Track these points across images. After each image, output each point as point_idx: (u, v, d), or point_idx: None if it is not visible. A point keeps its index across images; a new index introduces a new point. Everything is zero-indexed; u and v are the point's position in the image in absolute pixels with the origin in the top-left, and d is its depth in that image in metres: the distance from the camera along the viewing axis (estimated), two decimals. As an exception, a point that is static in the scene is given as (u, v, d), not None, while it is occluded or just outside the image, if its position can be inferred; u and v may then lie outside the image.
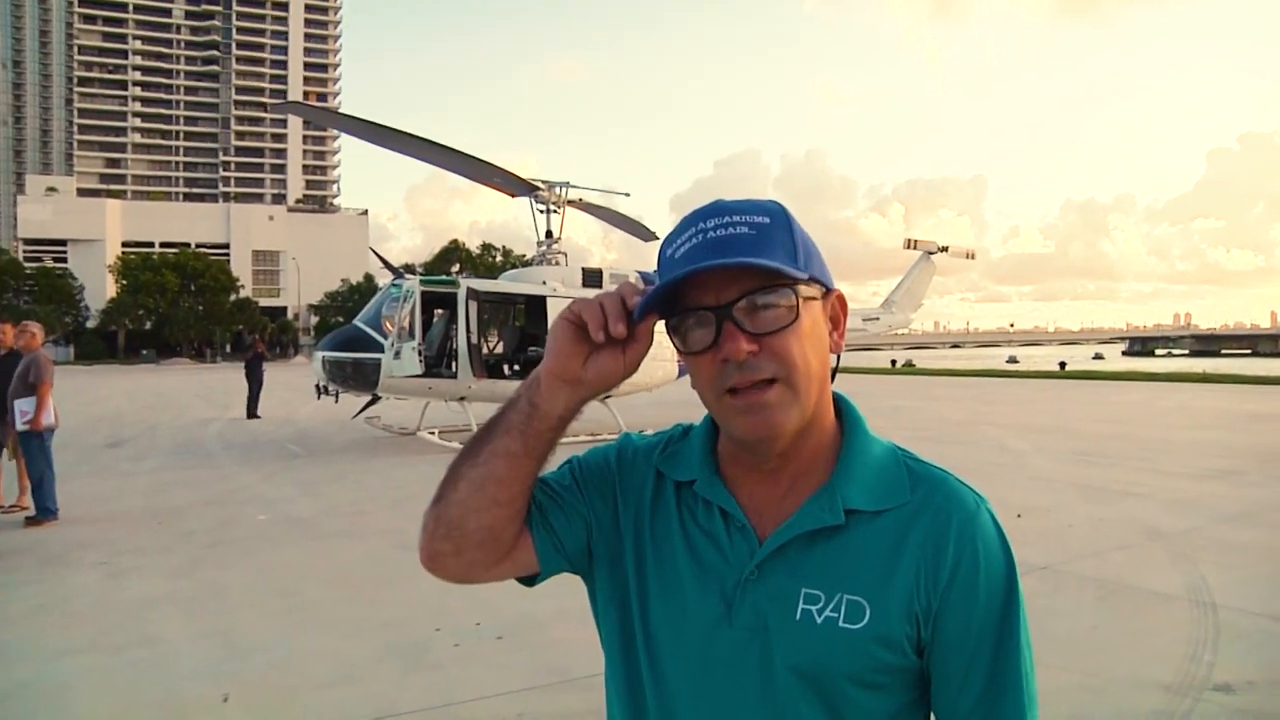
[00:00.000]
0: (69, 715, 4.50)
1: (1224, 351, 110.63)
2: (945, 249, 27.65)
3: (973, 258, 30.25)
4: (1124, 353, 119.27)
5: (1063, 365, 48.72)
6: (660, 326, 1.13)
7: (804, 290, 1.08)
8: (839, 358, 1.22)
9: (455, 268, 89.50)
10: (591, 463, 1.30)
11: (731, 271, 1.05)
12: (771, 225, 1.10)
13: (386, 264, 17.78)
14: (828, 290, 1.15)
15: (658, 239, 23.32)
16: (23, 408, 8.95)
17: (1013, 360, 74.21)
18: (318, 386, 16.36)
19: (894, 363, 59.74)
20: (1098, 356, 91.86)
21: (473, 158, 16.82)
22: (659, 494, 1.23)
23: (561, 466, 1.30)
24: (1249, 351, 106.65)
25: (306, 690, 4.73)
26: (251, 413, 22.01)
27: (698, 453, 1.22)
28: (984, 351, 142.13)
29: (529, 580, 1.27)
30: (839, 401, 1.22)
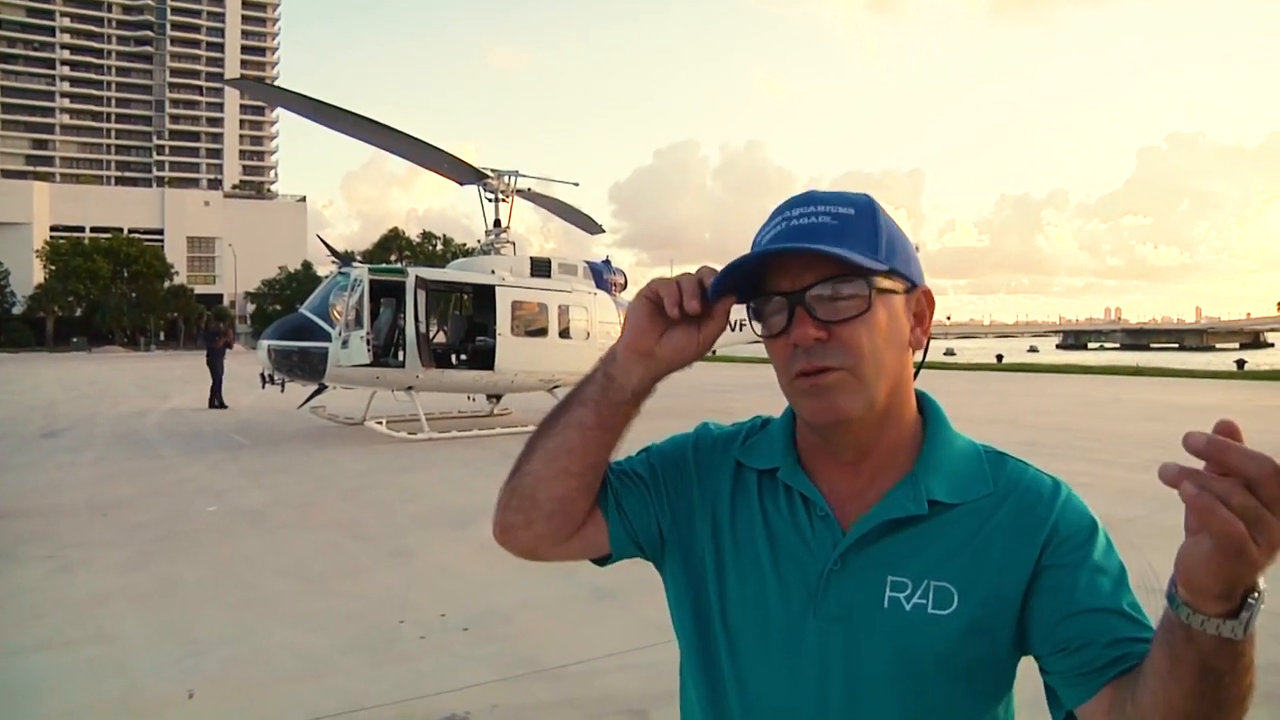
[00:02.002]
0: (28, 715, 4.39)
1: (1153, 345, 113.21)
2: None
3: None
4: (1058, 346, 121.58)
5: (1000, 358, 49.53)
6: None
7: (880, 282, 1.10)
8: (925, 354, 1.24)
9: (394, 256, 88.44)
10: (669, 451, 1.32)
11: (808, 258, 1.08)
12: (855, 216, 1.11)
13: (333, 251, 17.52)
14: (913, 285, 1.16)
15: (604, 231, 23.40)
16: None
17: (950, 353, 75.23)
18: (263, 375, 16.10)
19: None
20: (1033, 349, 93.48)
21: (422, 142, 16.63)
22: (739, 483, 1.25)
23: (638, 454, 1.33)
24: (1176, 345, 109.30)
25: (273, 685, 4.67)
26: (216, 402, 21.46)
27: (779, 442, 1.24)
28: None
29: (601, 560, 1.30)
30: (922, 398, 1.24)
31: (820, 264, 1.07)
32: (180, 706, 4.40)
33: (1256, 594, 0.81)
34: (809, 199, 1.14)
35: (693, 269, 1.15)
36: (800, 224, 1.11)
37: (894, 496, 1.14)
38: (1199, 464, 0.77)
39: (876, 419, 1.14)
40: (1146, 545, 7.27)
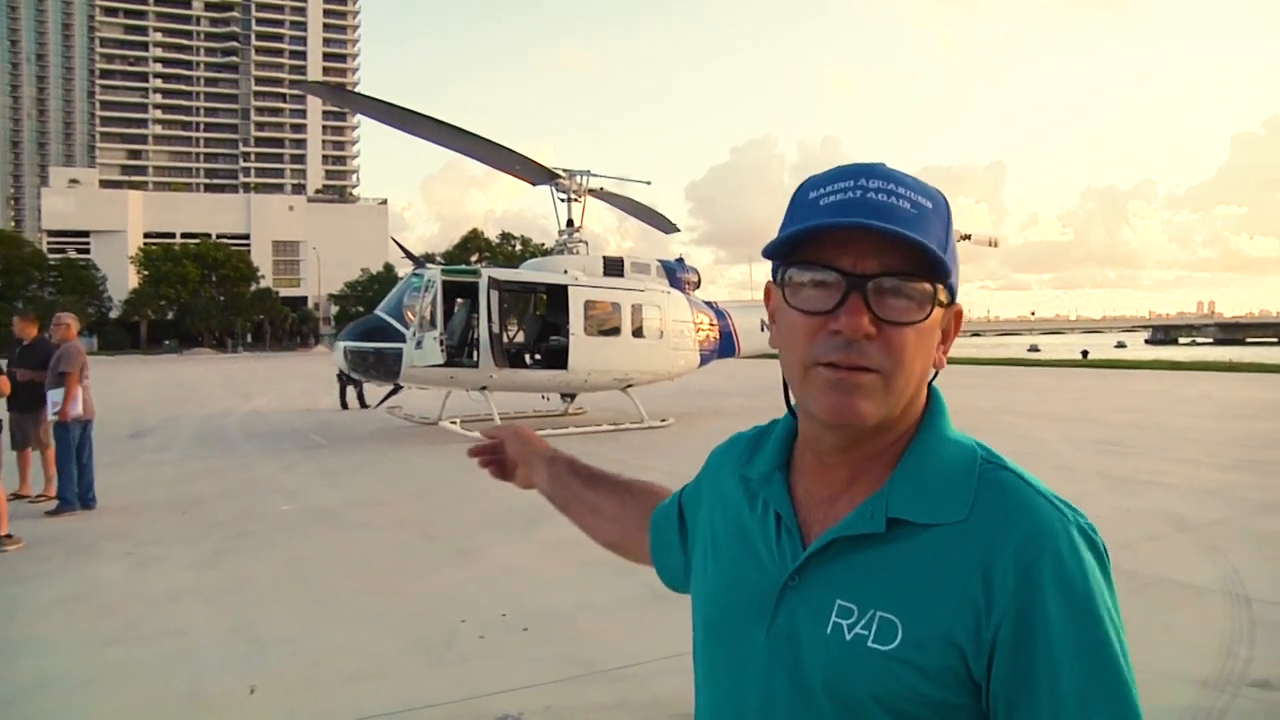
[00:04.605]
0: (97, 707, 4.50)
1: (1249, 340, 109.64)
2: (968, 237, 27.37)
3: (995, 245, 29.91)
4: (1147, 341, 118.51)
5: (1085, 354, 48.37)
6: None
7: (941, 293, 1.01)
8: (936, 374, 1.10)
9: (474, 257, 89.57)
10: (692, 487, 1.39)
11: (879, 243, 0.97)
12: (933, 212, 1.01)
13: (408, 253, 17.75)
14: (953, 301, 1.06)
15: (679, 230, 23.34)
16: (54, 398, 9.01)
17: (1034, 349, 73.73)
18: (340, 376, 16.39)
19: (914, 351, 59.41)
20: (1120, 345, 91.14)
21: (494, 144, 16.75)
22: (734, 491, 1.21)
23: (673, 497, 1.46)
24: (1276, 340, 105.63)
25: (332, 683, 4.72)
26: (360, 404, 21.45)
27: (770, 447, 1.18)
28: (1005, 340, 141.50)
29: None
30: (931, 397, 1.12)
31: (890, 253, 0.97)
32: (242, 702, 4.47)
33: None
34: (887, 174, 1.02)
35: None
36: (879, 200, 0.99)
37: (859, 512, 1.04)
38: None
39: (878, 429, 1.04)
40: (1233, 550, 7.00)
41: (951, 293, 1.04)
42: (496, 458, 1.73)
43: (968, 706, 0.97)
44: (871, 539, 1.02)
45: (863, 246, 0.97)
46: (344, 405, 21.15)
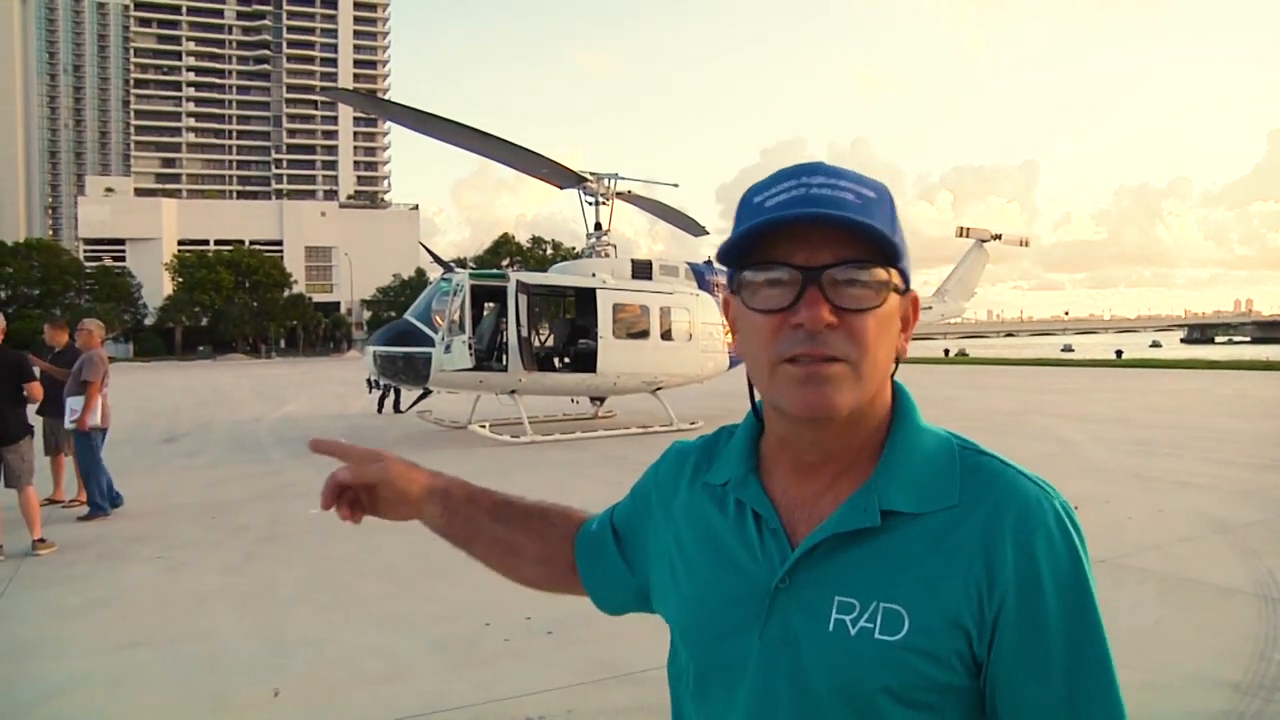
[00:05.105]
0: (125, 708, 4.54)
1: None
2: (998, 237, 27.26)
3: (1026, 245, 29.75)
4: (1183, 340, 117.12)
5: (1119, 353, 47.85)
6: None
7: (895, 278, 1.02)
8: (899, 362, 1.11)
9: (506, 261, 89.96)
10: (630, 504, 1.33)
11: (830, 235, 0.98)
12: (877, 201, 1.02)
13: (436, 258, 17.84)
14: (908, 288, 1.07)
15: (708, 234, 23.31)
16: (73, 406, 9.06)
17: (1068, 349, 73.09)
18: (369, 380, 16.49)
19: (947, 352, 59.11)
20: (1155, 344, 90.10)
21: (521, 148, 16.80)
22: (693, 498, 1.18)
23: (604, 515, 1.39)
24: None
25: (356, 685, 4.74)
26: (396, 408, 21.40)
27: (736, 450, 1.16)
28: (1039, 340, 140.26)
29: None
30: (897, 392, 1.13)
31: (842, 243, 0.98)
32: (266, 705, 4.49)
33: None
34: (827, 169, 1.03)
35: None
36: (822, 194, 0.99)
37: (848, 507, 1.04)
38: None
39: (852, 421, 1.04)
40: (1268, 551, 6.89)
41: (905, 278, 1.05)
42: (349, 496, 1.37)
43: (969, 688, 1.01)
44: (865, 533, 1.02)
45: (814, 240, 0.99)
46: (381, 409, 21.26)
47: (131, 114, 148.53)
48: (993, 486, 1.03)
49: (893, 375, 1.10)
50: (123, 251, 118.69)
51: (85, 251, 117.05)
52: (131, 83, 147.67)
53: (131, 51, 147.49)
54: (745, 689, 1.04)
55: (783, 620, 1.03)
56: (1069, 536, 1.01)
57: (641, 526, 1.28)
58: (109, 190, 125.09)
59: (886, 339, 1.02)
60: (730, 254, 1.03)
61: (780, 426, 1.09)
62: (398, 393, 20.62)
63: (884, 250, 0.98)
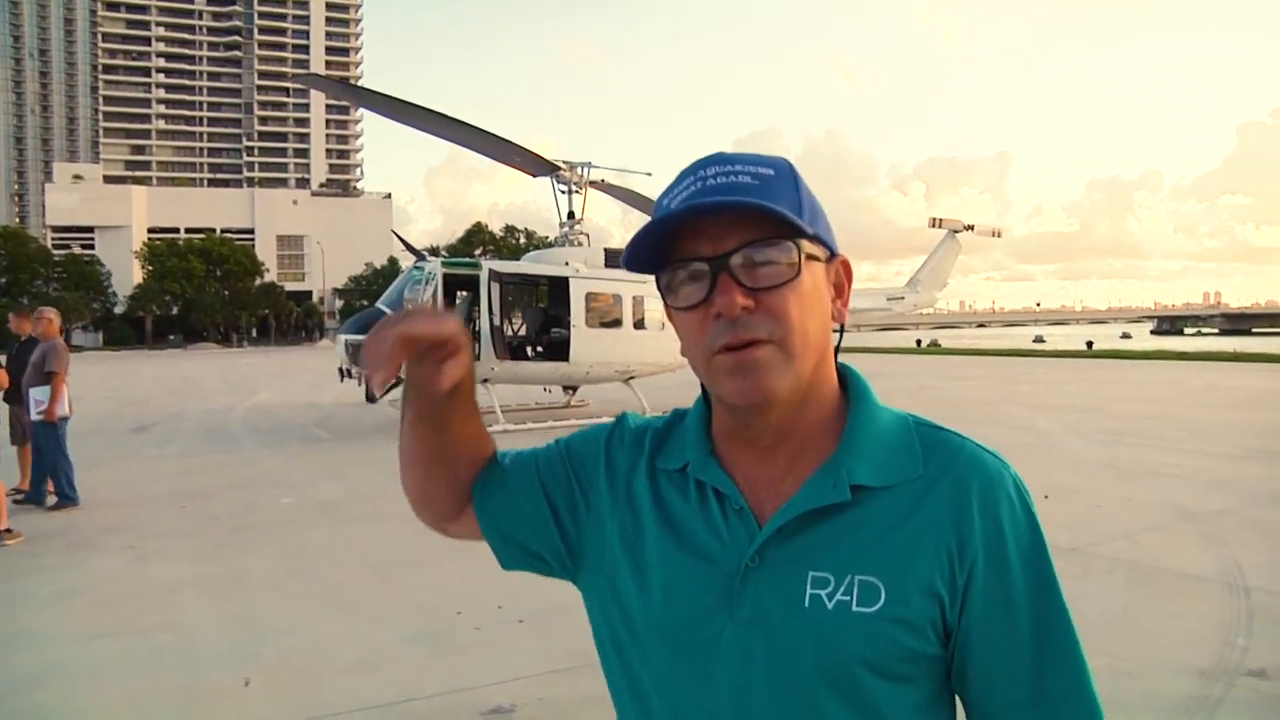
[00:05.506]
0: (95, 699, 4.51)
1: (1255, 330, 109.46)
2: (971, 227, 27.43)
3: (999, 236, 29.96)
4: (1152, 332, 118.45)
5: (1090, 345, 48.28)
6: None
7: (807, 247, 1.01)
8: (843, 328, 1.13)
9: (479, 250, 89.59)
10: (584, 449, 1.22)
11: (730, 222, 0.98)
12: (776, 177, 1.02)
13: (409, 247, 17.79)
14: (832, 255, 1.07)
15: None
16: (37, 396, 8.94)
17: (1039, 340, 73.69)
18: (341, 369, 16.40)
19: (919, 342, 59.46)
20: (1126, 335, 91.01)
21: (494, 136, 16.74)
22: (651, 482, 1.15)
23: (551, 446, 1.24)
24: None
25: (329, 674, 4.72)
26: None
27: (692, 434, 1.14)
28: (1010, 331, 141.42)
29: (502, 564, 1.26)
30: (843, 371, 1.13)
31: (744, 227, 0.98)
32: (237, 695, 4.47)
33: None
34: (722, 159, 1.03)
35: None
36: (717, 183, 1.00)
37: (814, 484, 1.04)
38: None
39: (799, 399, 1.04)
40: (1234, 541, 6.99)
41: (826, 246, 1.05)
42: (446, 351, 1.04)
43: (939, 657, 1.03)
44: (835, 508, 1.03)
45: (716, 230, 0.99)
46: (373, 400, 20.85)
47: (100, 100, 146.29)
48: (956, 459, 1.05)
49: (837, 346, 1.11)
50: (92, 239, 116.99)
51: (53, 239, 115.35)
52: (100, 68, 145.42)
53: (99, 36, 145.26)
54: (719, 672, 1.02)
55: (755, 599, 1.02)
56: (1028, 505, 1.05)
57: (596, 486, 1.18)
58: (77, 177, 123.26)
59: (814, 310, 1.02)
60: (642, 258, 1.04)
61: (729, 417, 1.09)
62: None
63: (788, 225, 0.98)
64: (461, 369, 1.05)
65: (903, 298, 25.44)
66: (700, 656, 1.04)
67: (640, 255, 1.03)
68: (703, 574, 1.05)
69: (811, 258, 1.02)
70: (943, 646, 1.02)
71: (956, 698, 1.08)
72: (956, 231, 26.70)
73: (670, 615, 1.06)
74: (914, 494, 1.03)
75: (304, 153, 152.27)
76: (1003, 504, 1.03)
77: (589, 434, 1.24)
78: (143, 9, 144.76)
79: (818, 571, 1.01)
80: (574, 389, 18.81)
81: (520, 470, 1.22)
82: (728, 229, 0.99)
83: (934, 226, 27.09)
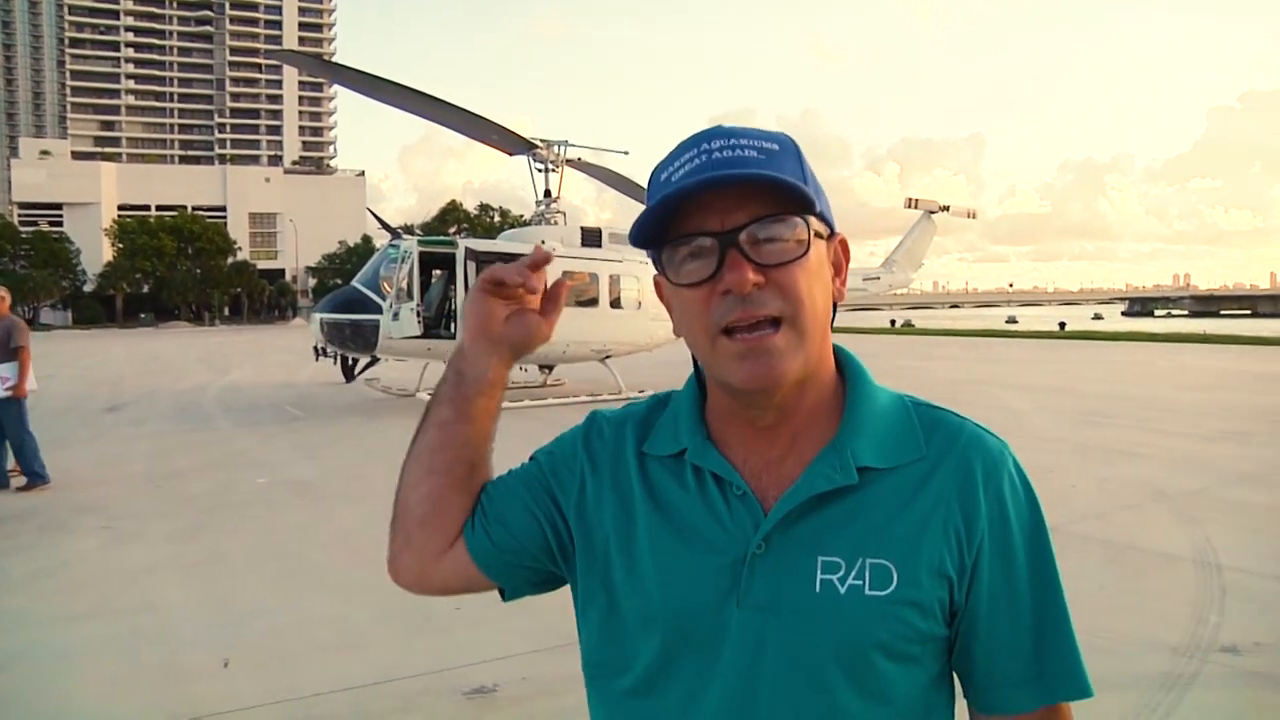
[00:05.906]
0: (72, 681, 4.46)
1: (1223, 312, 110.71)
2: (946, 208, 27.58)
3: (974, 217, 30.15)
4: (1123, 313, 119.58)
5: (1062, 325, 48.62)
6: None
7: (815, 224, 1.00)
8: (836, 307, 1.10)
9: (454, 229, 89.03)
10: (557, 453, 1.19)
11: (737, 196, 0.96)
12: (781, 152, 1.01)
13: (384, 225, 17.65)
14: (832, 233, 1.06)
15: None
16: (3, 374, 8.83)
17: (1012, 320, 74.20)
18: (316, 348, 16.31)
19: (894, 322, 59.68)
20: (1097, 317, 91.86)
21: (470, 113, 16.63)
22: (642, 472, 1.12)
23: (527, 462, 1.21)
24: (1249, 312, 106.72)
25: (308, 654, 4.71)
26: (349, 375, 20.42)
27: (684, 419, 1.11)
28: (983, 311, 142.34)
29: (504, 594, 1.25)
30: (838, 352, 1.12)
31: (753, 202, 0.96)
32: (216, 675, 4.45)
33: None
34: (725, 133, 1.01)
35: None
36: (724, 157, 0.98)
37: (818, 468, 1.02)
38: None
39: (804, 381, 1.03)
40: (1206, 519, 7.07)
41: (827, 224, 1.04)
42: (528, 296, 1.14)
43: (943, 636, 1.04)
44: (842, 491, 1.02)
45: (725, 204, 0.97)
46: (351, 379, 20.64)
47: (67, 74, 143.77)
48: (958, 439, 1.06)
49: (830, 323, 1.08)
50: (60, 216, 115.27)
51: (20, 216, 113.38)
52: (66, 42, 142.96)
53: (65, 8, 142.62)
54: (725, 662, 1.00)
55: (764, 586, 1.00)
56: (1027, 483, 1.07)
57: (574, 486, 1.15)
58: (44, 153, 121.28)
59: (820, 287, 1.01)
60: (645, 234, 1.01)
61: (729, 397, 1.06)
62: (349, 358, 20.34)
63: (797, 200, 0.97)
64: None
65: (878, 278, 25.54)
66: (703, 649, 1.02)
67: (645, 231, 1.01)
68: (705, 562, 1.03)
69: (817, 235, 1.01)
70: (947, 627, 1.03)
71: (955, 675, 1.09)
72: (932, 212, 26.84)
73: (670, 605, 1.03)
74: (918, 475, 1.03)
75: (277, 129, 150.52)
76: (1006, 484, 1.04)
77: (562, 440, 1.21)
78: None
79: (827, 556, 1.00)
80: (550, 368, 18.79)
81: (506, 497, 1.17)
82: (735, 203, 0.97)
83: (910, 207, 27.20)
